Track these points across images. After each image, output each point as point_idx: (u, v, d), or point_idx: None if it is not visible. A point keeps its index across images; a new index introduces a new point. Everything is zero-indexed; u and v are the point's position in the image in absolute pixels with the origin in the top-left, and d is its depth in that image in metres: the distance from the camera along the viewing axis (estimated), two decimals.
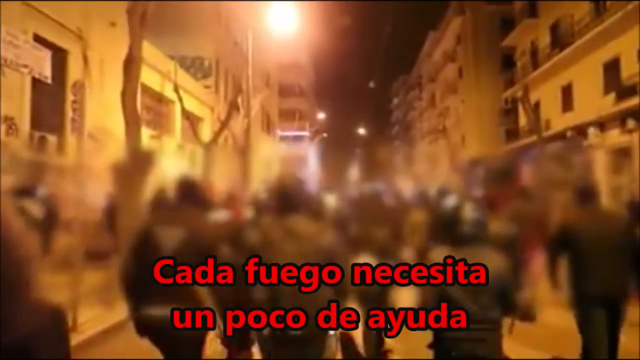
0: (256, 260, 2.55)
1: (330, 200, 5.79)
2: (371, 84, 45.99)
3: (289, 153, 40.46)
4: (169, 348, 2.79)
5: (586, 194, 3.72)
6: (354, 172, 61.08)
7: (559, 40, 19.47)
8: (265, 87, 19.24)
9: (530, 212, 4.87)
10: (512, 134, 30.56)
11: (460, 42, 36.15)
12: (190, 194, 3.05)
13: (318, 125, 46.55)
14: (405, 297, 3.35)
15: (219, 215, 4.10)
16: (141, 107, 15.00)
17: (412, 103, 61.00)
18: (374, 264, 3.83)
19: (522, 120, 24.76)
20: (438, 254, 2.46)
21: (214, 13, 22.42)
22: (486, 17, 32.85)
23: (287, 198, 2.70)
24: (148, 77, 14.47)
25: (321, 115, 48.44)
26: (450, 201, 2.73)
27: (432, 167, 44.69)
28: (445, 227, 2.58)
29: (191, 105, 19.53)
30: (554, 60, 19.46)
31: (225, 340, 3.21)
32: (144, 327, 2.82)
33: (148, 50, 15.00)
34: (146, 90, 15.39)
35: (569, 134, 17.82)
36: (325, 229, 2.77)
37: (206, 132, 21.73)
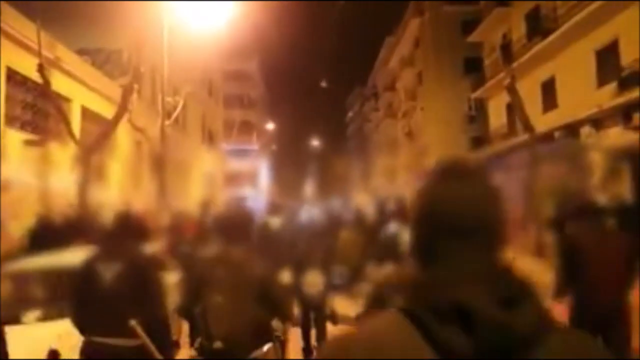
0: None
1: (275, 224, 6.80)
2: (323, 84, 43.01)
3: (235, 168, 36.60)
4: None
5: (589, 210, 3.71)
6: (308, 189, 58.02)
7: (538, 29, 16.82)
8: (187, 86, 15.38)
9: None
10: (478, 141, 28.14)
11: (419, 46, 33.67)
12: (127, 226, 3.08)
13: (267, 137, 42.90)
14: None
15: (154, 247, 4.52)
16: (6, 100, 11.07)
17: (368, 115, 58.51)
18: (318, 279, 4.91)
19: (495, 123, 22.10)
20: (378, 272, 3.18)
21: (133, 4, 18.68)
22: (446, 18, 30.45)
23: (231, 230, 2.86)
24: (22, 61, 10.51)
25: (270, 126, 44.82)
26: (391, 228, 4.06)
27: (390, 180, 42.09)
28: (387, 249, 3.62)
29: (102, 108, 15.60)
30: (534, 51, 16.77)
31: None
32: (95, 353, 2.87)
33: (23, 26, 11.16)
34: (22, 80, 11.40)
35: (556, 134, 15.03)
36: (254, 259, 2.86)
37: (121, 139, 17.78)
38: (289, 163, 50.89)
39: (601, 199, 8.13)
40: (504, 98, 20.74)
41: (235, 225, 2.88)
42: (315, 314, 5.28)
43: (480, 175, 0.92)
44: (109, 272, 2.89)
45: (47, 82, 8.49)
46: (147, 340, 2.80)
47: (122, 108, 8.99)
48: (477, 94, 23.23)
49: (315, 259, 5.07)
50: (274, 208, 8.34)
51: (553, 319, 0.83)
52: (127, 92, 9.09)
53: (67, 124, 8.93)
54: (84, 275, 2.97)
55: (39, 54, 8.59)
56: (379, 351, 0.79)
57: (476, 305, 0.75)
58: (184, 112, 26.36)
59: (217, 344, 2.63)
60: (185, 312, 3.20)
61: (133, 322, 2.79)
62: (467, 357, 0.75)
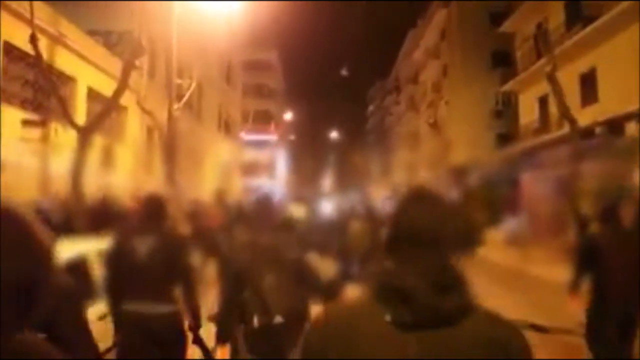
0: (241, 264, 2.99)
1: (299, 212, 7.10)
2: (344, 72, 42.15)
3: (253, 158, 35.88)
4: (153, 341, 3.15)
5: (614, 212, 3.67)
6: (327, 181, 57.09)
7: (578, 16, 15.53)
8: (199, 68, 14.56)
9: None
10: (504, 138, 26.86)
11: (444, 38, 32.34)
12: (157, 206, 3.41)
13: (285, 127, 42.04)
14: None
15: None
16: (3, 76, 10.33)
17: (389, 108, 57.23)
18: (331, 268, 4.87)
19: (525, 119, 20.83)
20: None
21: None
22: (474, 9, 29.05)
23: (260, 217, 3.14)
24: (23, 36, 9.73)
25: (288, 116, 43.88)
26: None
27: (411, 175, 40.90)
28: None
29: (110, 90, 14.89)
30: (573, 40, 15.49)
31: (197, 339, 3.44)
32: (123, 323, 3.17)
33: None
34: (21, 55, 10.65)
35: (598, 130, 13.80)
36: (287, 243, 3.10)
37: (132, 125, 17.08)
38: (308, 154, 50.05)
39: None
40: (536, 91, 19.49)
41: (264, 214, 3.11)
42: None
43: (437, 200, 1.27)
44: (143, 247, 3.20)
45: (39, 55, 7.72)
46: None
47: (122, 84, 8.18)
48: (507, 87, 21.94)
49: (331, 249, 5.35)
50: (297, 198, 8.42)
51: (476, 304, 1.17)
52: (127, 68, 8.28)
53: (61, 100, 8.15)
54: (120, 250, 3.28)
55: (30, 23, 7.79)
56: (351, 319, 1.18)
57: (416, 291, 1.11)
58: (200, 99, 25.62)
59: (278, 319, 2.84)
60: (236, 294, 3.10)
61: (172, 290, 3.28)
62: (409, 326, 1.11)
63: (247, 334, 2.92)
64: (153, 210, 3.39)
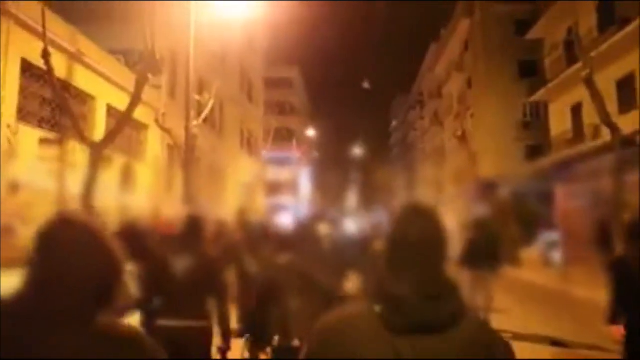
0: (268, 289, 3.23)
1: (324, 229, 6.44)
2: (365, 85, 41.84)
3: (276, 176, 35.58)
4: (180, 352, 3.13)
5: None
6: (351, 199, 56.39)
7: (613, 18, 14.76)
8: (217, 82, 14.33)
9: None
10: (533, 150, 25.89)
11: (468, 49, 31.69)
12: (195, 227, 3.56)
13: (308, 144, 41.72)
14: None
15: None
16: (20, 94, 10.12)
17: (413, 123, 56.52)
18: (355, 286, 4.92)
19: (556, 129, 19.92)
20: None
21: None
22: (498, 17, 28.36)
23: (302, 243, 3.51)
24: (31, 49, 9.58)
25: (311, 132, 43.59)
26: None
27: (437, 191, 39.93)
28: None
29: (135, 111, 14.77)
30: (608, 44, 14.70)
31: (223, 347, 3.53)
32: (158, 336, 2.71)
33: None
34: (39, 73, 10.49)
35: (639, 139, 12.91)
36: (319, 268, 3.32)
37: (153, 143, 16.90)
38: (331, 171, 49.60)
39: None
40: (568, 100, 18.66)
41: (306, 240, 3.39)
42: None
43: (431, 215, 1.34)
44: (180, 266, 3.34)
45: (51, 70, 7.49)
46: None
47: (136, 99, 7.89)
48: (537, 97, 21.11)
49: (356, 268, 5.27)
50: (321, 216, 7.71)
51: (467, 311, 1.25)
52: (140, 82, 7.99)
53: (73, 116, 7.88)
54: (159, 269, 3.42)
55: (43, 37, 7.56)
56: (349, 325, 1.25)
57: (410, 299, 1.19)
58: (222, 117, 25.53)
59: (296, 342, 2.93)
60: (260, 313, 3.29)
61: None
62: (403, 332, 1.18)
63: (268, 352, 3.07)
64: (192, 230, 3.52)
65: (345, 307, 1.37)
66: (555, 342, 6.96)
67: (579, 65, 16.43)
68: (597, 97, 9.92)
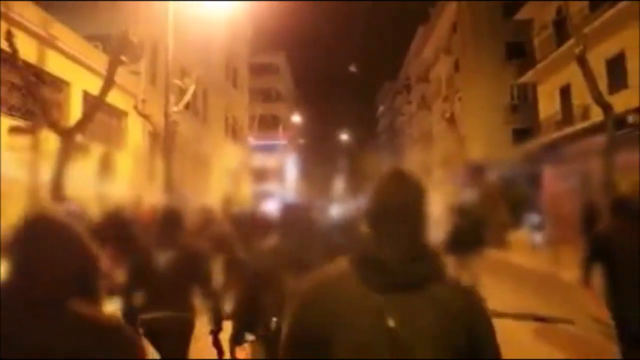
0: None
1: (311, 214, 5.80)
2: (352, 68, 41.40)
3: (261, 163, 35.09)
4: (159, 342, 3.33)
5: (625, 206, 3.54)
6: (338, 185, 56.10)
7: None
8: (198, 68, 13.77)
9: None
10: (521, 133, 25.71)
11: (456, 31, 31.30)
12: (174, 219, 3.58)
13: (294, 131, 41.19)
14: None
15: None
16: None
17: (400, 108, 56.18)
18: None
19: (545, 111, 19.71)
20: None
21: None
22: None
23: (285, 225, 3.22)
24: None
25: (297, 118, 43.01)
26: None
27: (426, 175, 39.78)
28: None
29: (111, 97, 14.19)
30: (598, 22, 14.41)
31: (216, 342, 3.56)
32: (139, 326, 3.32)
33: None
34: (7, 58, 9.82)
35: (630, 118, 12.71)
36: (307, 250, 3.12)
37: (133, 131, 16.34)
38: (318, 158, 49.13)
39: None
40: (557, 82, 18.42)
41: (289, 221, 3.21)
42: None
43: (410, 179, 1.36)
44: (162, 258, 3.37)
45: (15, 51, 6.95)
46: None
47: (109, 81, 7.40)
48: (525, 78, 20.84)
49: (343, 250, 4.72)
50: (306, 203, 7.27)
51: (446, 272, 1.31)
52: (112, 64, 7.49)
53: (41, 102, 7.37)
54: (142, 259, 3.46)
55: (4, 17, 7.03)
56: (331, 285, 1.30)
57: (389, 259, 1.25)
58: (205, 104, 24.93)
59: None
60: (253, 301, 3.19)
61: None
62: (382, 289, 1.23)
63: (265, 336, 3.04)
64: (170, 222, 3.53)
65: (327, 267, 1.39)
66: (537, 318, 7.11)
67: (568, 44, 16.17)
68: (589, 75, 9.65)
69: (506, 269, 12.99)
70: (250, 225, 7.61)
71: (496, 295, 8.11)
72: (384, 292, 1.22)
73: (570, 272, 11.12)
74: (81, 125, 7.34)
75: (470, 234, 7.59)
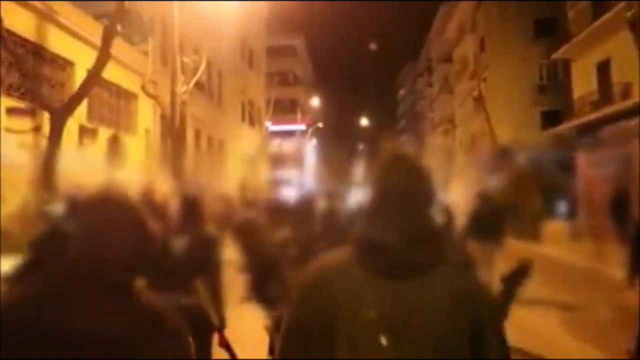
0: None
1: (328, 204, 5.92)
2: (372, 46, 40.42)
3: (279, 149, 34.35)
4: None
5: None
6: (358, 171, 55.24)
7: None
8: (207, 45, 13.00)
9: None
10: (550, 115, 24.40)
11: (480, 8, 29.83)
12: (192, 207, 3.57)
13: (313, 114, 40.25)
14: None
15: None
16: None
17: (421, 92, 54.72)
18: None
19: (580, 90, 18.42)
20: None
21: None
22: None
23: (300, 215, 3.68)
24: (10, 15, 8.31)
25: (316, 102, 42.01)
26: None
27: (448, 161, 38.55)
28: None
29: (114, 74, 13.54)
30: None
31: (224, 342, 3.52)
32: None
33: None
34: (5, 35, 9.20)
35: None
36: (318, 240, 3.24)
37: (144, 114, 15.70)
38: (337, 142, 48.24)
39: None
40: (595, 57, 17.12)
41: (303, 212, 3.47)
42: None
43: (412, 162, 1.32)
44: (178, 245, 3.35)
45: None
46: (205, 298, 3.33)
47: (103, 55, 6.68)
48: (559, 54, 19.49)
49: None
50: (327, 190, 7.07)
51: (451, 256, 1.25)
52: (107, 34, 6.74)
53: (29, 77, 6.68)
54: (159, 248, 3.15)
55: None
56: (333, 271, 1.26)
57: (389, 244, 1.19)
58: (220, 86, 24.19)
59: None
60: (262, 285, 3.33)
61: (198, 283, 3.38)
62: (383, 276, 1.19)
63: (275, 321, 3.07)
64: (190, 210, 3.51)
65: (330, 253, 1.36)
66: (559, 305, 7.10)
67: (609, 15, 14.91)
68: None
69: (535, 261, 12.25)
70: (268, 213, 7.48)
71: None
72: (385, 277, 1.20)
73: (599, 264, 10.35)
74: (73, 103, 6.63)
75: (491, 221, 7.27)
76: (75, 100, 6.63)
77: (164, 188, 10.16)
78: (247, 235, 7.69)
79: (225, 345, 3.46)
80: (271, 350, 3.47)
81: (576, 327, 6.06)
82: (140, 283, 2.95)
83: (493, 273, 7.14)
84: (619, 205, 10.92)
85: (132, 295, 1.20)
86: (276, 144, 33.83)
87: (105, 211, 1.23)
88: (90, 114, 12.56)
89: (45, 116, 10.31)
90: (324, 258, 1.35)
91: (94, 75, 6.57)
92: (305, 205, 3.43)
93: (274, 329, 3.15)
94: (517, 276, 2.07)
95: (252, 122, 29.99)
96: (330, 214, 7.17)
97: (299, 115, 38.09)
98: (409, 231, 1.20)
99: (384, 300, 1.16)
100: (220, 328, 3.45)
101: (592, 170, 16.65)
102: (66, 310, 1.11)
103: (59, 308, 1.11)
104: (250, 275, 4.44)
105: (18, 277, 2.93)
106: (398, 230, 1.20)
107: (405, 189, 1.25)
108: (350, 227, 5.86)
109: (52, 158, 6.16)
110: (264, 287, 3.20)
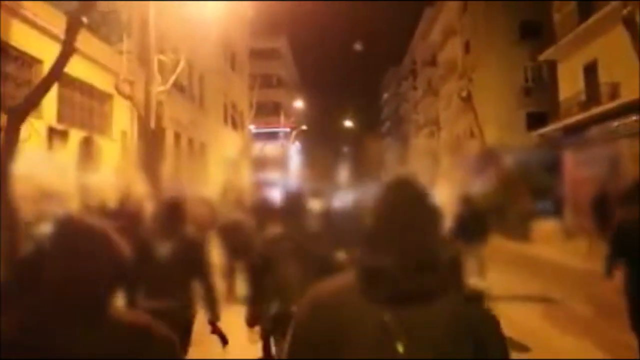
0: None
1: (315, 205, 6.20)
2: (357, 47, 40.28)
3: (263, 152, 33.78)
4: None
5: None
6: (342, 173, 54.94)
7: None
8: (185, 44, 12.38)
9: None
10: (536, 117, 24.29)
11: (466, 10, 29.70)
12: (175, 211, 3.55)
13: (297, 117, 39.77)
14: None
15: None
16: None
17: (405, 95, 54.64)
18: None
19: (567, 92, 18.26)
20: None
21: None
22: None
23: (289, 212, 3.40)
24: None
25: (299, 104, 41.52)
26: None
27: (433, 163, 38.36)
28: None
29: (88, 74, 12.88)
30: None
31: (216, 329, 3.61)
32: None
33: None
34: None
35: None
36: (312, 238, 3.30)
37: (119, 116, 15.04)
38: (321, 145, 47.82)
39: None
40: (581, 58, 16.97)
41: (293, 209, 3.33)
42: None
43: (415, 187, 1.29)
44: (163, 249, 3.37)
45: None
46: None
47: (67, 47, 6.09)
48: (545, 56, 19.34)
49: (344, 241, 5.28)
50: (314, 192, 7.94)
51: (454, 283, 1.22)
52: (71, 26, 6.17)
53: None
54: (141, 252, 3.26)
55: None
56: (335, 298, 1.23)
57: (392, 271, 1.16)
58: (202, 88, 23.55)
59: (294, 308, 3.06)
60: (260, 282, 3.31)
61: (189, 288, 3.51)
62: (386, 303, 1.15)
63: (268, 318, 3.18)
64: (172, 214, 3.49)
65: (334, 278, 1.35)
66: (545, 299, 7.33)
67: (595, 17, 14.73)
68: (637, 39, 8.25)
69: (520, 259, 12.13)
70: (257, 213, 7.62)
71: (503, 280, 8.08)
72: (388, 305, 1.17)
73: (580, 261, 10.27)
74: (32, 101, 6.04)
75: (474, 223, 7.48)
76: (34, 96, 6.04)
77: (141, 191, 9.61)
78: (234, 235, 7.19)
79: (218, 332, 3.55)
80: (266, 352, 3.48)
81: (558, 320, 6.43)
82: (118, 301, 2.49)
83: (485, 275, 7.41)
84: (601, 204, 10.89)
85: (111, 316, 1.20)
86: (259, 147, 33.25)
87: (71, 237, 1.22)
88: (61, 115, 11.89)
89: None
90: (324, 284, 1.34)
91: (56, 70, 6.01)
92: (294, 201, 3.37)
93: (270, 330, 3.21)
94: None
95: (234, 125, 29.37)
96: (326, 213, 6.93)
97: (282, 118, 37.56)
98: (411, 258, 1.18)
99: (387, 327, 1.15)
100: (214, 321, 3.54)
101: (578, 170, 16.50)
102: (50, 341, 1.12)
103: (42, 338, 1.12)
104: (245, 274, 4.47)
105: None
106: (400, 257, 1.18)
107: (408, 215, 1.23)
108: (339, 226, 5.69)
109: (7, 161, 5.57)
110: (259, 284, 3.24)
